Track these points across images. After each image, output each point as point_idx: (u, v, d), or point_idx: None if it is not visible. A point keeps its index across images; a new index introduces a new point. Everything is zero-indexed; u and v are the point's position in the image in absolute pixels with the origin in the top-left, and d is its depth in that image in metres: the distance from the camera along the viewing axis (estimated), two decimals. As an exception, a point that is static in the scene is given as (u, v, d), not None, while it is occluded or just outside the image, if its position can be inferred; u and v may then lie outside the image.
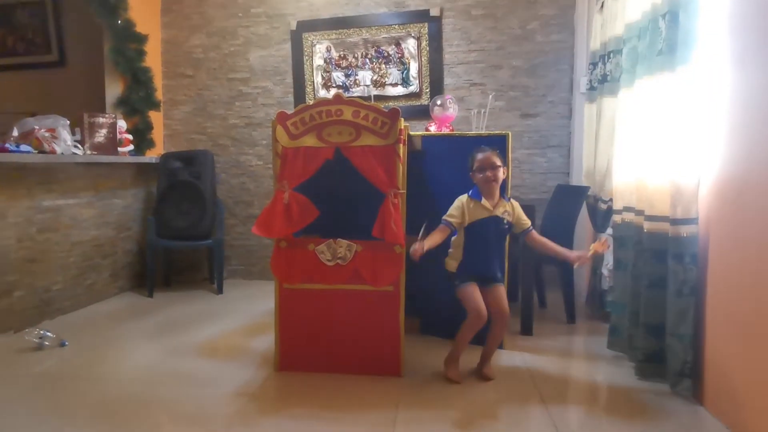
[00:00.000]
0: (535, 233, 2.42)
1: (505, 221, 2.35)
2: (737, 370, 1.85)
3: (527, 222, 2.42)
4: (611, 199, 2.95)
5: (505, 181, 2.40)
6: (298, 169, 2.36)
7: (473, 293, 2.29)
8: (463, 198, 2.37)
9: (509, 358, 2.61)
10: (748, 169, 1.81)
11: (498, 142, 2.66)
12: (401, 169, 2.31)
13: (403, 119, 2.33)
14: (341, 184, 2.67)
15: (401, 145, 2.30)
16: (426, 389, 2.26)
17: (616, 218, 2.68)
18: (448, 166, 2.73)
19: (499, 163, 2.31)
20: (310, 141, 2.37)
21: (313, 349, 2.43)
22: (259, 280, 4.38)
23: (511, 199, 2.42)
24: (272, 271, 2.41)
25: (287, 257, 2.40)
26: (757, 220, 1.75)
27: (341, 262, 2.36)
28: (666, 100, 2.17)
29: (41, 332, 2.78)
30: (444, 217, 2.36)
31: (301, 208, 2.38)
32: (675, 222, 2.08)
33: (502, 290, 2.36)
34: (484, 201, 2.32)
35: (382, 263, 2.33)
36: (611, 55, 2.95)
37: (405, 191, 2.34)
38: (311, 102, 2.43)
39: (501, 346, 2.70)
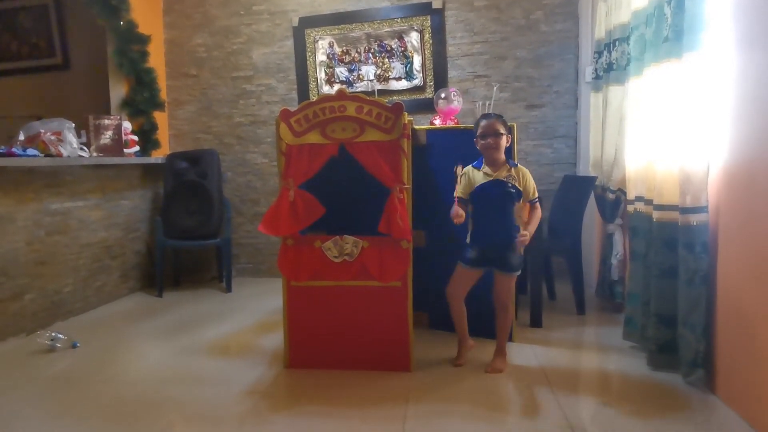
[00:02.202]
0: (537, 206, 2.35)
1: (510, 184, 2.28)
2: (750, 359, 1.83)
3: (534, 193, 2.33)
4: (619, 189, 2.94)
5: (510, 149, 2.40)
6: (303, 166, 2.36)
7: (458, 276, 2.37)
8: (466, 168, 2.37)
9: (519, 350, 2.60)
10: (758, 156, 1.78)
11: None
12: (406, 163, 2.30)
13: (406, 113, 2.32)
14: (347, 181, 2.66)
15: (405, 139, 2.29)
16: (436, 384, 2.26)
17: (629, 208, 2.67)
18: (453, 159, 2.71)
19: (502, 130, 2.28)
20: (314, 138, 2.36)
21: (322, 346, 2.44)
22: (268, 277, 4.38)
23: (520, 166, 2.35)
24: (279, 270, 2.41)
25: (294, 255, 2.40)
26: (769, 207, 1.72)
27: (348, 258, 2.35)
28: (673, 87, 2.14)
29: (53, 334, 2.80)
30: (454, 195, 2.34)
31: (307, 206, 2.38)
32: (685, 211, 2.06)
33: (506, 281, 2.33)
34: (484, 167, 2.32)
35: (389, 259, 2.32)
36: (616, 43, 2.92)
37: (410, 186, 2.33)
38: (315, 98, 2.42)
39: (510, 338, 2.69)
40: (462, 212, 2.25)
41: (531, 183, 2.33)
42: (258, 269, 4.47)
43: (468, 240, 2.38)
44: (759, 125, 1.77)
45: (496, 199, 2.29)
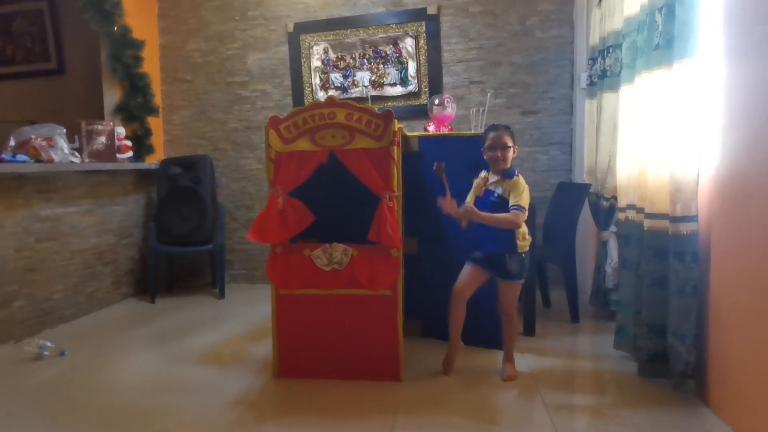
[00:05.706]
0: (517, 213, 2.22)
1: (496, 195, 2.28)
2: (742, 370, 1.80)
3: (516, 200, 2.23)
4: (613, 197, 2.92)
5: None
6: (292, 173, 2.34)
7: (464, 272, 2.38)
8: (482, 173, 2.39)
9: (511, 360, 2.57)
10: (750, 166, 1.76)
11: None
12: (396, 171, 2.28)
13: (397, 121, 2.30)
14: (336, 188, 2.64)
15: (396, 147, 2.27)
16: (426, 393, 2.23)
17: (620, 216, 2.65)
18: (445, 166, 2.69)
19: (510, 143, 2.28)
20: (303, 145, 2.34)
21: (311, 355, 2.41)
22: (261, 284, 4.35)
23: (517, 177, 2.27)
24: (268, 278, 2.38)
25: (283, 263, 2.37)
26: (761, 216, 1.70)
27: (337, 266, 2.33)
28: (664, 95, 2.12)
29: (40, 342, 2.77)
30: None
31: (297, 213, 2.36)
32: (675, 220, 2.04)
33: (509, 288, 2.34)
34: (488, 174, 2.35)
35: (378, 267, 2.30)
36: (610, 50, 2.90)
37: (400, 194, 2.31)
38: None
39: (501, 347, 2.66)
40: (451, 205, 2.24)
41: (517, 190, 2.24)
42: (252, 275, 4.45)
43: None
44: (750, 134, 1.76)
45: (483, 208, 2.27)
